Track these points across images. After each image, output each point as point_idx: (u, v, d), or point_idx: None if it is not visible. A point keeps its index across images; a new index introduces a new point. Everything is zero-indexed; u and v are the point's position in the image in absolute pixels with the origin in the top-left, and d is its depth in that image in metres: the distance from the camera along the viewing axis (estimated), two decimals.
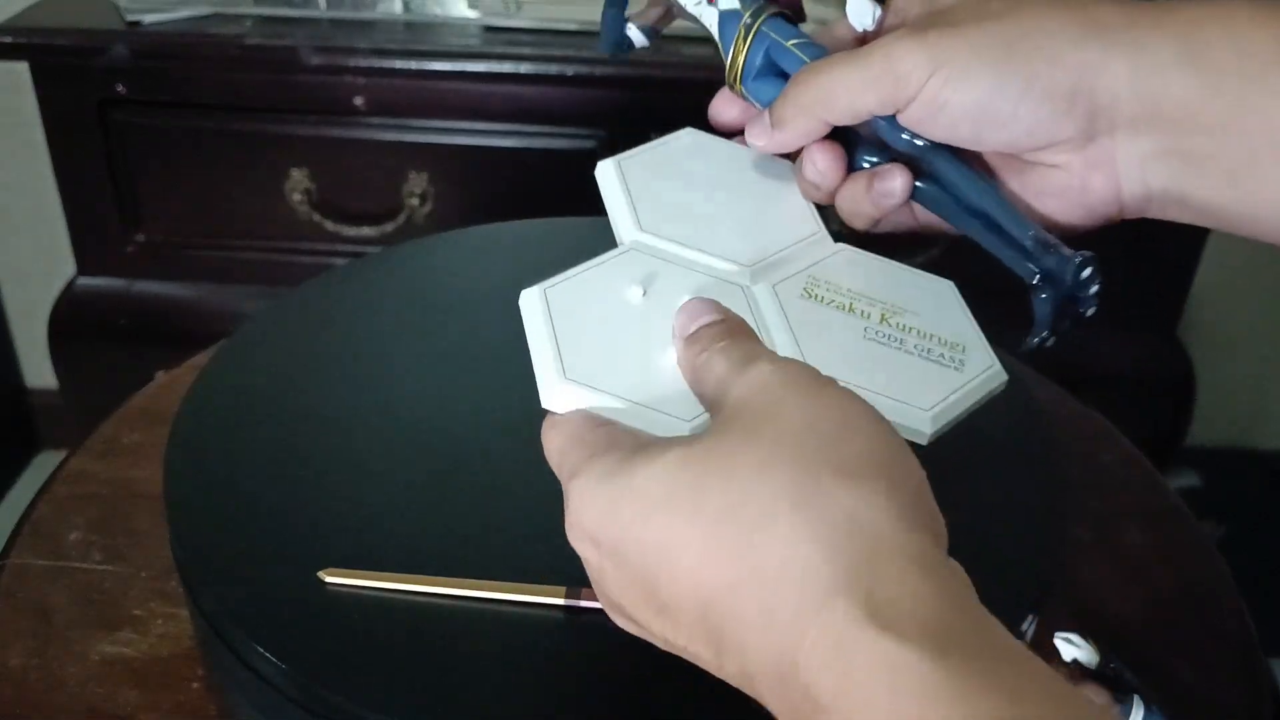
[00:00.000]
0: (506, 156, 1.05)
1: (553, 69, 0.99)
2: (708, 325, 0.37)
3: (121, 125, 1.07)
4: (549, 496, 0.51)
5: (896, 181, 0.43)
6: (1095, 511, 0.62)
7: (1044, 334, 0.40)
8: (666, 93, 0.99)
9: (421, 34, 1.04)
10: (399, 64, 1.01)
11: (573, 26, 1.03)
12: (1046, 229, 0.42)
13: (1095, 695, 0.47)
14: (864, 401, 0.33)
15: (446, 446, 0.54)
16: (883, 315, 0.41)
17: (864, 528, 0.29)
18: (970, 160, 0.43)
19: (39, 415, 1.59)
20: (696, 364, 0.36)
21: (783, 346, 0.39)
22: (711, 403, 0.35)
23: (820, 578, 0.28)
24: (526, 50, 1.01)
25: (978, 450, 0.57)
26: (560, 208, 0.69)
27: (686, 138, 0.49)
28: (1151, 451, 0.68)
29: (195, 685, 0.51)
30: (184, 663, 0.51)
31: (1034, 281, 0.40)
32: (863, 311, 0.41)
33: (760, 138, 0.45)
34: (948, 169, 0.43)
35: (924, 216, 0.45)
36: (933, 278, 0.44)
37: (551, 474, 0.50)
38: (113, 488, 0.61)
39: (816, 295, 0.42)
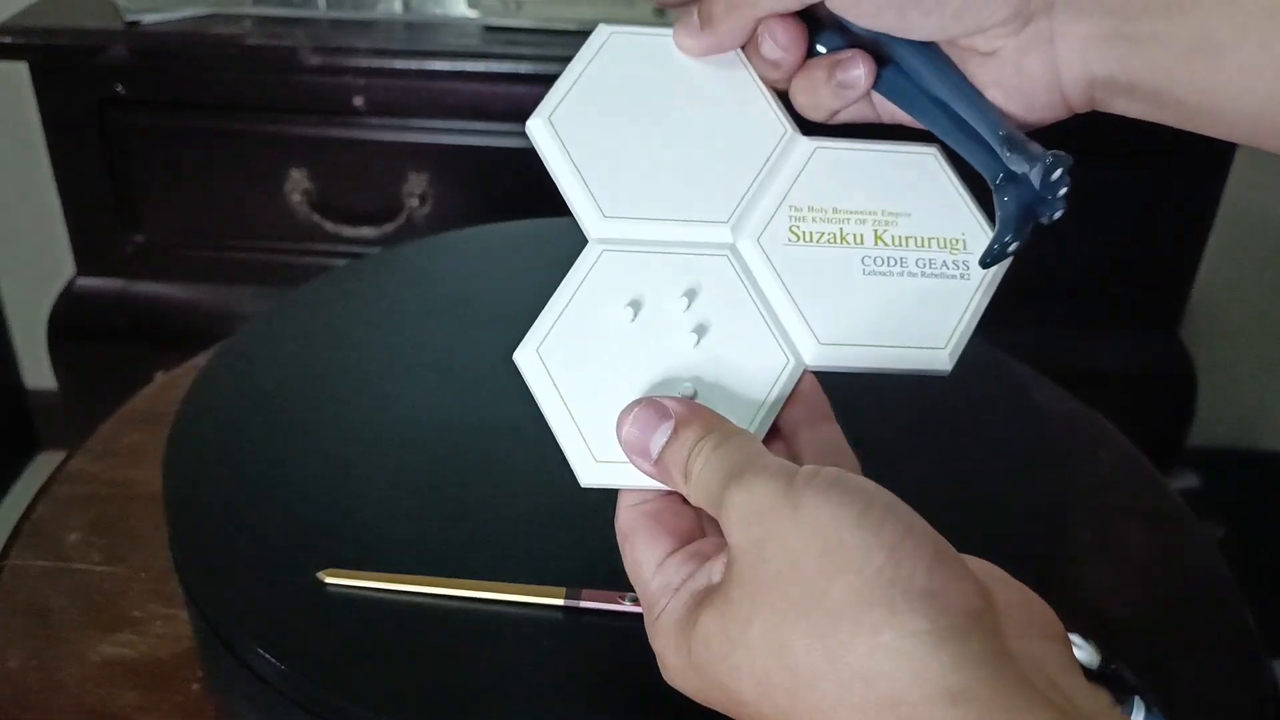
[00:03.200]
0: (506, 156, 1.05)
1: (553, 69, 0.98)
2: (667, 448, 0.35)
3: (121, 125, 1.07)
4: (549, 497, 0.51)
5: (859, 70, 0.40)
6: (1095, 511, 0.61)
7: (1006, 238, 0.38)
8: None
9: (421, 34, 1.04)
10: (399, 64, 1.01)
11: (573, 26, 1.03)
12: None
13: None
14: (846, 504, 0.31)
15: (446, 447, 0.54)
16: (876, 234, 0.40)
17: (883, 674, 0.28)
18: (936, 48, 0.40)
19: (38, 416, 1.59)
20: (691, 484, 0.35)
21: (786, 318, 0.38)
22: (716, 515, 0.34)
23: None
24: (526, 50, 1.00)
25: (978, 450, 0.57)
26: (560, 208, 0.69)
27: (608, 45, 0.44)
28: (1152, 452, 0.68)
29: (194, 686, 0.51)
30: (183, 664, 0.51)
31: (998, 181, 0.38)
32: (855, 235, 0.40)
33: (688, 38, 0.42)
34: (911, 56, 0.40)
35: (885, 110, 0.42)
36: (914, 151, 0.42)
37: (550, 475, 0.50)
38: (112, 488, 0.61)
39: (804, 233, 0.40)
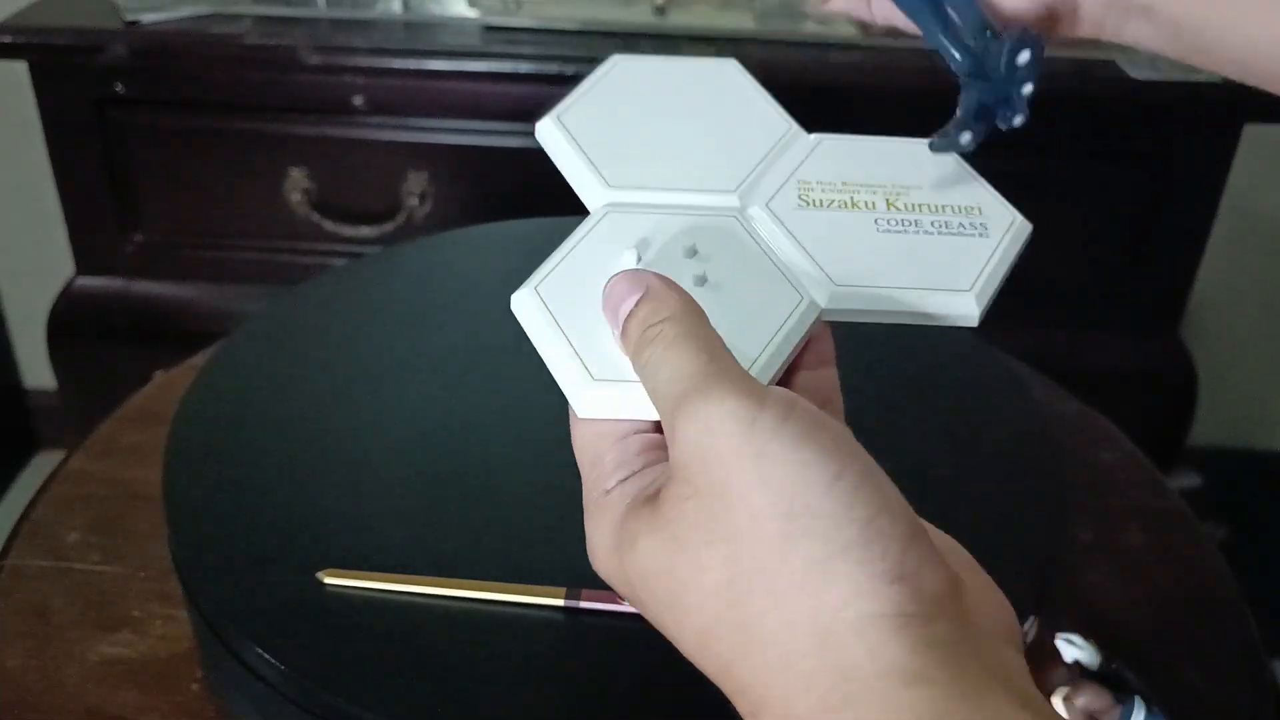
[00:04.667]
0: (506, 156, 1.05)
1: (553, 68, 0.99)
2: (631, 315, 0.33)
3: (120, 124, 1.07)
4: (548, 497, 0.51)
5: None
6: (1096, 512, 0.61)
7: (959, 132, 0.38)
8: None
9: (421, 33, 1.03)
10: (398, 63, 1.01)
11: (573, 26, 1.03)
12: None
13: (1096, 696, 0.47)
14: (817, 461, 0.28)
15: (446, 447, 0.54)
16: (888, 200, 0.39)
17: (839, 646, 0.27)
18: None
19: (37, 415, 1.59)
20: (639, 367, 0.32)
21: (798, 265, 0.37)
22: (664, 422, 0.31)
23: (800, 709, 0.27)
24: (526, 50, 1.00)
25: (978, 451, 0.57)
26: (560, 207, 0.69)
27: (618, 67, 0.45)
28: (1153, 452, 0.68)
29: (194, 686, 0.50)
30: (183, 663, 0.51)
31: (966, 75, 0.38)
32: (866, 203, 0.39)
33: None
34: None
35: (880, 9, 0.43)
36: (919, 141, 0.42)
37: (550, 475, 0.50)
38: (111, 488, 0.61)
39: (814, 200, 0.39)
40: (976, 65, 0.38)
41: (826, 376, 0.36)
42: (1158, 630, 0.56)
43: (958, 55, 0.39)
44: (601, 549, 0.32)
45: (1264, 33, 0.38)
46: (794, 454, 0.28)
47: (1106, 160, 1.03)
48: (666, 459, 0.31)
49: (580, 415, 0.33)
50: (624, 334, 0.33)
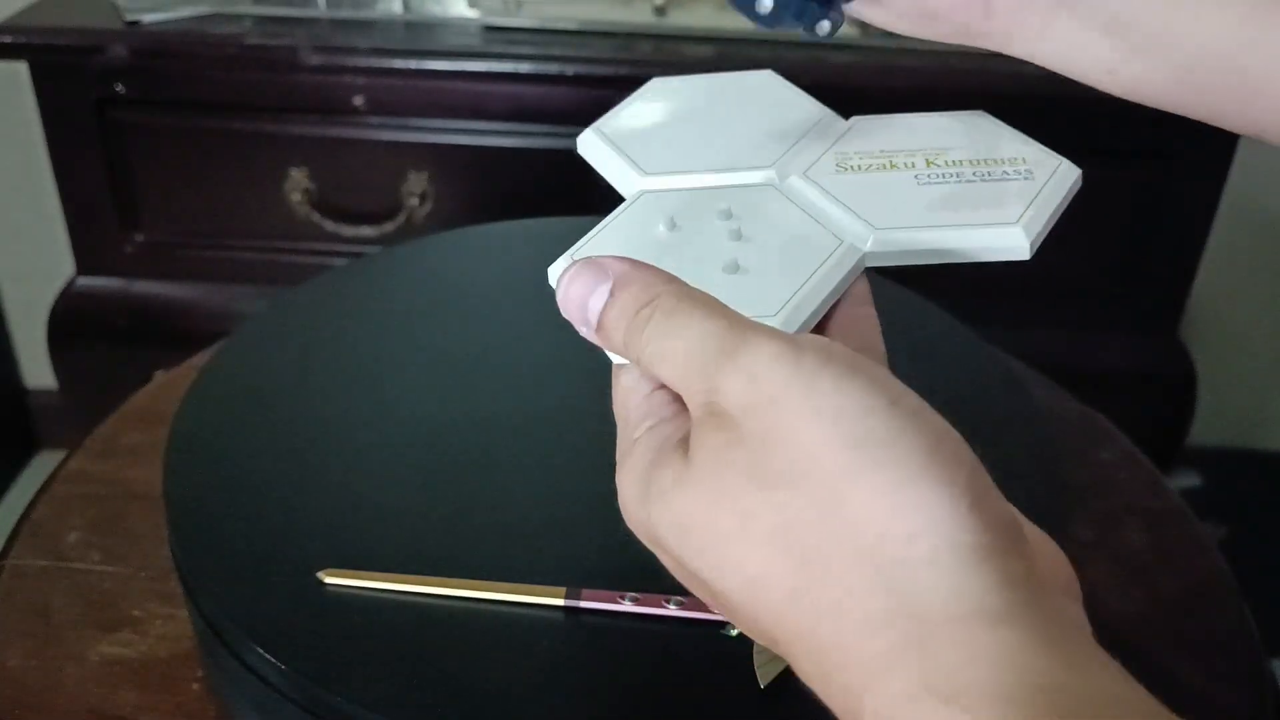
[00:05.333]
0: (506, 156, 1.05)
1: (553, 69, 0.99)
2: (607, 308, 0.31)
3: (120, 125, 1.07)
4: (549, 496, 0.51)
5: None
6: (1095, 511, 0.61)
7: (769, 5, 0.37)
8: None
9: (421, 34, 1.04)
10: (399, 64, 1.01)
11: (573, 26, 1.03)
12: None
13: None
14: (869, 393, 0.26)
15: (446, 446, 0.54)
16: (927, 160, 0.39)
17: (912, 585, 0.24)
18: None
19: (38, 415, 1.59)
20: (639, 350, 0.30)
21: (838, 218, 0.36)
22: (687, 398, 0.29)
23: (869, 651, 0.24)
24: (526, 50, 1.00)
25: (978, 450, 0.57)
26: (560, 208, 0.69)
27: (657, 84, 0.46)
28: (1153, 451, 0.68)
29: (194, 686, 0.50)
30: (183, 663, 0.51)
31: None
32: (906, 164, 0.39)
33: None
34: None
35: None
36: (961, 113, 0.41)
37: (550, 475, 0.50)
38: (112, 488, 0.61)
39: (852, 166, 0.39)
40: None
41: (865, 317, 0.34)
42: (1158, 630, 0.56)
43: None
44: (630, 500, 0.30)
45: (1214, 30, 0.35)
46: (846, 384, 0.26)
47: (1106, 160, 1.03)
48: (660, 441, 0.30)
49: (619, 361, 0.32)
50: (602, 328, 0.31)
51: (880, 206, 0.36)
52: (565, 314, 0.31)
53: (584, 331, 0.31)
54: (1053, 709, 0.22)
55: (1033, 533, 0.28)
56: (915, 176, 0.38)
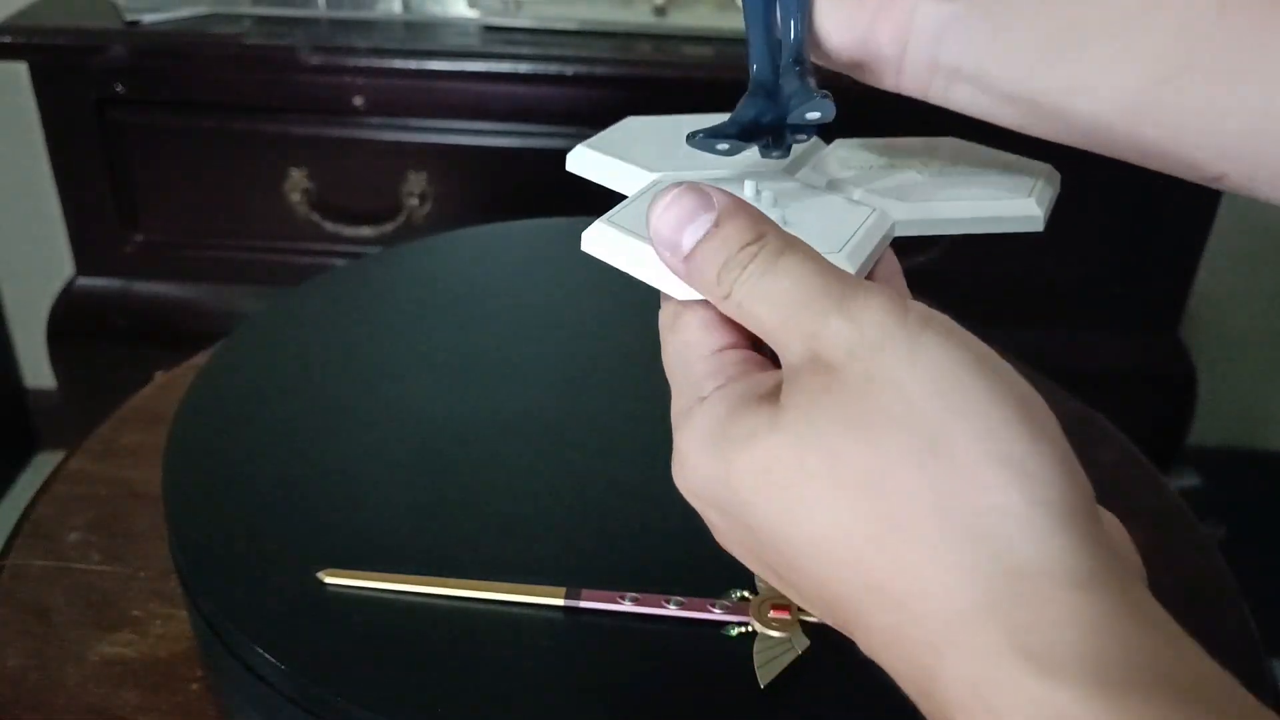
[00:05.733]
0: (506, 156, 1.05)
1: (553, 69, 0.99)
2: (707, 239, 0.30)
3: (120, 125, 1.07)
4: (549, 496, 0.51)
5: None
6: None
7: (719, 139, 0.37)
8: (667, 93, 0.99)
9: (421, 34, 1.04)
10: (398, 64, 1.01)
11: (573, 26, 1.03)
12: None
13: None
14: (969, 350, 0.27)
15: (446, 446, 0.54)
16: (923, 163, 0.41)
17: (1003, 538, 0.24)
18: None
19: (38, 416, 1.59)
20: (735, 289, 0.29)
21: (862, 197, 0.38)
22: (773, 342, 0.29)
23: (955, 605, 0.24)
24: (526, 50, 1.01)
25: None
26: (560, 208, 0.69)
27: (632, 120, 0.45)
28: (1152, 451, 0.68)
29: (194, 686, 0.50)
30: (183, 664, 0.51)
31: (755, 79, 0.37)
32: (904, 166, 0.41)
33: None
34: None
35: None
36: (934, 138, 0.44)
37: (550, 475, 0.50)
38: (112, 488, 0.61)
39: (855, 166, 0.41)
40: (771, 85, 0.37)
41: (899, 287, 0.35)
42: None
43: (758, 66, 0.38)
44: (696, 453, 0.29)
45: (1112, 98, 0.35)
46: (948, 341, 0.27)
47: (1106, 160, 1.03)
48: (764, 371, 0.30)
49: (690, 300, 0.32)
50: (693, 258, 0.30)
51: (895, 189, 0.38)
52: (654, 235, 0.30)
53: (665, 257, 0.30)
54: (1138, 682, 0.22)
55: (1103, 511, 0.28)
56: (917, 173, 0.40)
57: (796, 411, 0.27)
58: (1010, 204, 0.37)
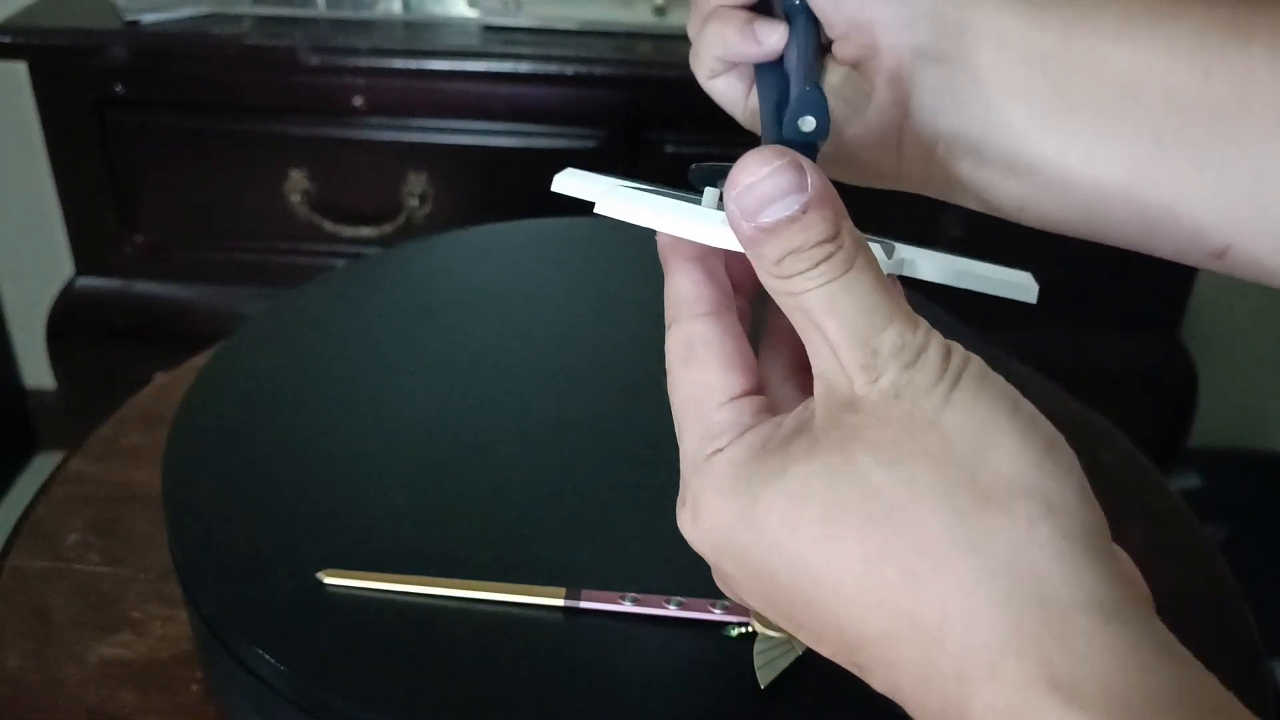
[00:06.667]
0: (506, 156, 1.05)
1: (553, 69, 0.99)
2: (790, 222, 0.28)
3: (120, 125, 1.07)
4: (549, 497, 0.51)
5: (777, 33, 0.37)
6: None
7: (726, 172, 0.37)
8: (666, 93, 0.99)
9: (421, 34, 1.04)
10: (398, 64, 1.01)
11: (573, 26, 1.03)
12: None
13: None
14: (1003, 393, 0.28)
15: (446, 447, 0.54)
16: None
17: (1033, 570, 0.25)
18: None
19: (37, 416, 1.59)
20: (778, 281, 0.29)
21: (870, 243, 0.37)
22: (814, 350, 0.29)
23: (988, 636, 0.25)
24: (526, 50, 1.00)
25: None
26: (560, 208, 0.69)
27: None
28: (1153, 452, 0.68)
29: (194, 687, 0.50)
30: (183, 665, 0.51)
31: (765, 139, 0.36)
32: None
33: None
34: (803, 28, 0.38)
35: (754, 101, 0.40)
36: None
37: (550, 475, 0.50)
38: (111, 489, 0.61)
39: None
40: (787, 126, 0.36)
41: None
42: None
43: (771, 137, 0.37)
44: (716, 498, 0.29)
45: (1107, 162, 0.36)
46: (983, 382, 0.28)
47: None
48: (777, 415, 0.30)
49: (717, 246, 0.31)
50: (766, 241, 0.28)
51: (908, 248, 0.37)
52: (733, 197, 0.29)
53: (734, 218, 0.29)
54: (1162, 712, 0.23)
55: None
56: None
57: (830, 444, 0.28)
58: (1010, 272, 0.37)
